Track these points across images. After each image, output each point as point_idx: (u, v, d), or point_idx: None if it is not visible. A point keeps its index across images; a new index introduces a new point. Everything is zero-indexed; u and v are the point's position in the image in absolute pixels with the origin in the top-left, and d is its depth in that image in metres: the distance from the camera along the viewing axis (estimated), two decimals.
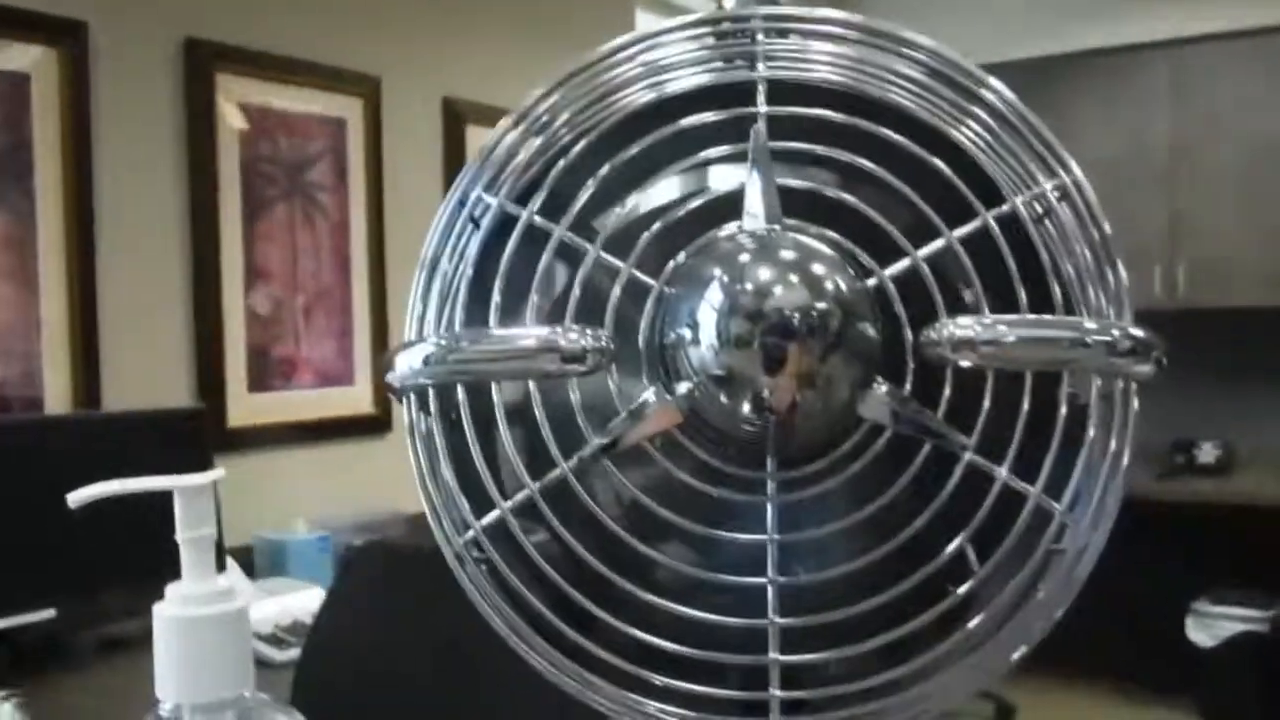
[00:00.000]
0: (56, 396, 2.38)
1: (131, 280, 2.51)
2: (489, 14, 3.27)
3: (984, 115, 0.44)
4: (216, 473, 0.52)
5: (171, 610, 0.49)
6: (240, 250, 2.72)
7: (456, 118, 3.22)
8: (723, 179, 0.46)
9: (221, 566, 2.19)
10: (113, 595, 2.01)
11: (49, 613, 2.01)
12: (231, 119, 2.70)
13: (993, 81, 0.45)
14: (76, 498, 0.51)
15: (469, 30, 3.21)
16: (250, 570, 2.41)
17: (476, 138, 3.15)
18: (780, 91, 0.45)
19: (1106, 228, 0.43)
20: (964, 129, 0.44)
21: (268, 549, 2.51)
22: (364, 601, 1.68)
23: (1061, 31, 4.40)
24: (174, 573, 0.50)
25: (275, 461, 2.75)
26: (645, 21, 3.98)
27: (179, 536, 0.51)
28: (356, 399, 2.95)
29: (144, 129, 2.54)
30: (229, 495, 2.29)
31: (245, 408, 2.71)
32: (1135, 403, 0.42)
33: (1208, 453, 4.16)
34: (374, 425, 2.94)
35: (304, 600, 2.15)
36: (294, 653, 1.88)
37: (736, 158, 0.45)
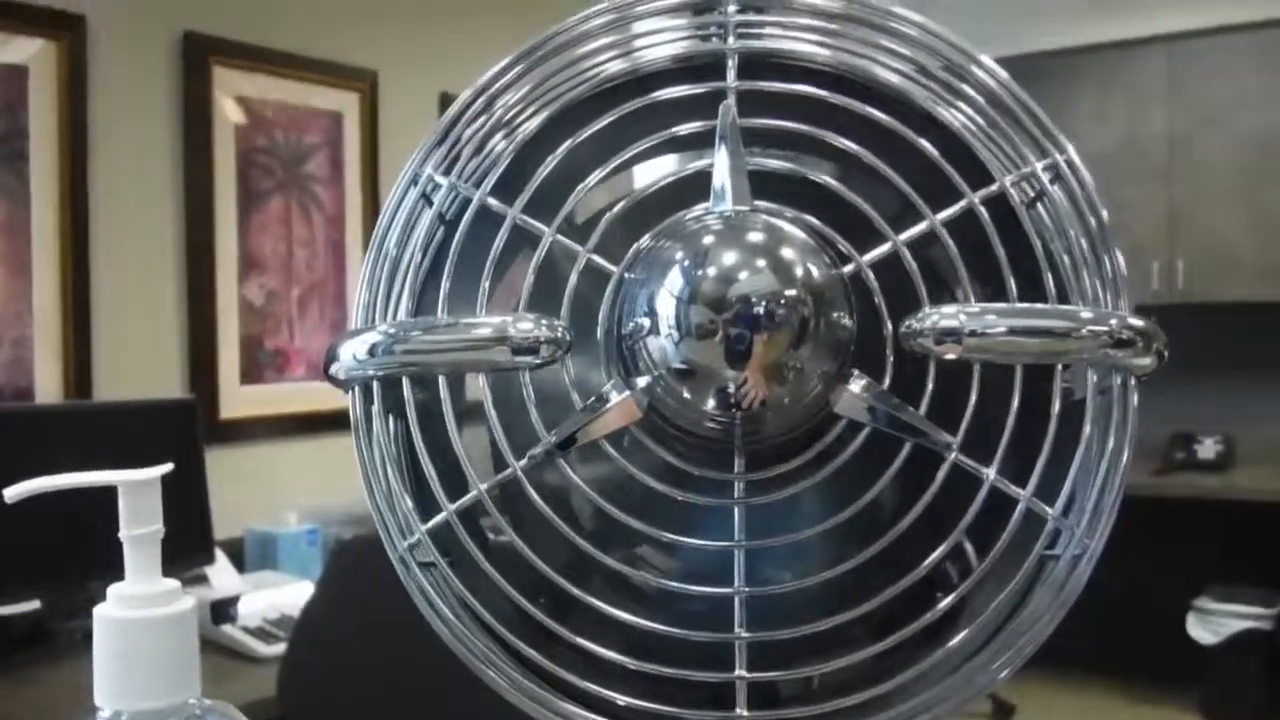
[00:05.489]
0: (48, 385, 2.36)
1: (125, 270, 2.49)
2: (487, 8, 3.23)
3: (974, 95, 0.41)
4: (164, 468, 0.49)
5: (111, 611, 0.47)
6: (235, 241, 2.70)
7: None
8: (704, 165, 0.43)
9: (210, 559, 2.17)
10: (98, 587, 1.99)
11: (34, 604, 1.99)
12: (228, 112, 2.68)
13: (984, 59, 0.41)
14: (13, 492, 0.48)
15: (467, 25, 3.18)
16: (240, 563, 2.39)
17: None
18: (758, 70, 0.42)
19: (1104, 213, 0.40)
20: (952, 110, 0.41)
21: (258, 541, 2.49)
22: (351, 596, 1.66)
23: (1058, 26, 4.37)
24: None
25: (267, 454, 2.73)
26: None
27: (122, 534, 0.48)
28: None
29: (141, 121, 2.52)
30: (220, 487, 2.29)
31: (237, 399, 2.69)
32: (1135, 398, 0.39)
33: (1208, 448, 4.13)
34: None
35: (292, 594, 2.13)
36: (280, 647, 1.86)
37: (710, 139, 0.42)
